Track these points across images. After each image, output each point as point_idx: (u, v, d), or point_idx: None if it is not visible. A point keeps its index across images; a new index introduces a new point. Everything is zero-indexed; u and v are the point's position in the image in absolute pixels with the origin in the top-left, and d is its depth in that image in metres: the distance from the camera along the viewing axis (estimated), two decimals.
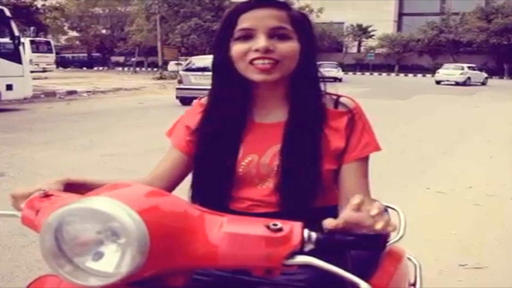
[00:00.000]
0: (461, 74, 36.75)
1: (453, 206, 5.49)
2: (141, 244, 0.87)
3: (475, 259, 3.94)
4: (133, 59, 51.04)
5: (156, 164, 1.58)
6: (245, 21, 1.40)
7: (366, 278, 0.99)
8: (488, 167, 7.61)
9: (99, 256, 0.93)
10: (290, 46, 1.40)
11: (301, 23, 1.45)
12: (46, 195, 1.19)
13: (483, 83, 38.36)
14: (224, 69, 1.46)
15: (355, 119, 1.48)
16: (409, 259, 2.15)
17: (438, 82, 37.11)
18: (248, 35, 1.39)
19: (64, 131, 10.43)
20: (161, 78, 33.01)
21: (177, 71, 38.40)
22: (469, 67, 38.08)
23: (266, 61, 1.37)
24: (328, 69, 33.14)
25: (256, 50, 1.37)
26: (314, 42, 1.50)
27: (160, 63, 37.47)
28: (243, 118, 1.48)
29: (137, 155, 7.72)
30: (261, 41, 1.37)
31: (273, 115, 1.49)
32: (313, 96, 1.48)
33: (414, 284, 2.07)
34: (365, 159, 1.50)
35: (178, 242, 0.94)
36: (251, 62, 1.39)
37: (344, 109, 1.49)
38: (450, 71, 37.64)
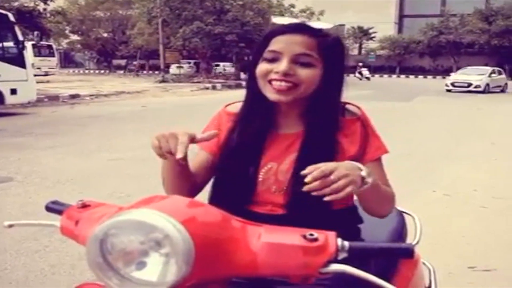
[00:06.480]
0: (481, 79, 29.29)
1: (459, 208, 5.53)
2: (186, 254, 0.91)
3: (484, 262, 3.98)
4: (134, 62, 51.07)
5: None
6: (275, 44, 1.50)
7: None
8: (493, 170, 7.65)
9: (142, 265, 0.96)
10: (310, 73, 1.48)
11: (331, 51, 1.53)
12: (84, 206, 1.23)
13: (503, 90, 30.77)
14: (254, 85, 1.56)
15: (364, 125, 1.59)
16: (423, 263, 2.20)
17: (449, 90, 29.37)
18: (274, 58, 1.49)
19: (69, 135, 10.48)
20: (163, 81, 33.05)
21: (179, 74, 38.70)
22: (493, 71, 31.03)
23: (283, 83, 1.47)
24: None
25: (276, 72, 1.47)
26: (341, 68, 1.58)
27: (162, 66, 37.47)
28: (267, 129, 1.58)
29: (144, 160, 7.69)
30: (282, 65, 1.46)
31: (293, 126, 1.58)
32: (329, 112, 1.56)
33: None
34: (379, 161, 1.60)
35: (221, 251, 0.98)
36: (270, 82, 1.49)
37: (353, 116, 1.59)
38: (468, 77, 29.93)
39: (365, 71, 42.07)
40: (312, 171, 1.20)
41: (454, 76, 31.67)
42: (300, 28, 1.51)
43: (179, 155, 1.24)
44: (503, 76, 32.49)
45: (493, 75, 30.62)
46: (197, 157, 1.68)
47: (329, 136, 1.53)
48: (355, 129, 1.57)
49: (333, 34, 1.56)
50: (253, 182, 1.54)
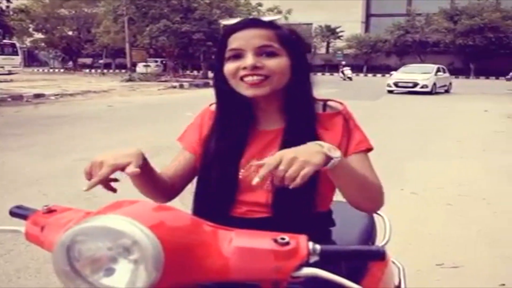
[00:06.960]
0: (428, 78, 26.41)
1: (426, 207, 5.60)
2: (156, 259, 0.89)
3: (451, 259, 4.03)
4: (100, 61, 50.46)
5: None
6: (234, 42, 1.50)
7: (357, 283, 1.04)
8: (459, 167, 7.76)
9: (110, 272, 0.94)
10: (278, 62, 1.49)
11: (289, 40, 1.53)
12: (50, 211, 1.20)
13: (447, 91, 28.35)
14: (223, 86, 1.55)
15: (346, 119, 1.58)
16: (393, 262, 2.21)
17: (391, 91, 26.42)
18: (237, 55, 1.49)
19: (34, 135, 10.28)
20: (129, 80, 32.74)
21: (146, 73, 38.39)
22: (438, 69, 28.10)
23: (255, 77, 1.47)
24: None
25: (245, 68, 1.46)
26: (304, 56, 1.59)
27: (128, 65, 37.10)
28: (246, 127, 1.58)
29: None
30: (248, 60, 1.46)
31: (273, 123, 1.58)
32: (307, 105, 1.57)
33: (398, 286, 2.13)
34: (363, 155, 1.57)
35: (192, 256, 0.96)
36: (241, 79, 1.48)
37: (334, 111, 1.60)
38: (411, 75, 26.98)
39: (347, 71, 42.02)
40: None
41: (397, 75, 27.95)
42: (253, 23, 1.52)
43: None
44: (447, 74, 29.70)
45: (439, 73, 27.83)
46: (178, 156, 1.68)
47: (310, 130, 1.52)
48: (336, 122, 1.57)
49: (285, 26, 1.57)
50: (234, 180, 1.54)
